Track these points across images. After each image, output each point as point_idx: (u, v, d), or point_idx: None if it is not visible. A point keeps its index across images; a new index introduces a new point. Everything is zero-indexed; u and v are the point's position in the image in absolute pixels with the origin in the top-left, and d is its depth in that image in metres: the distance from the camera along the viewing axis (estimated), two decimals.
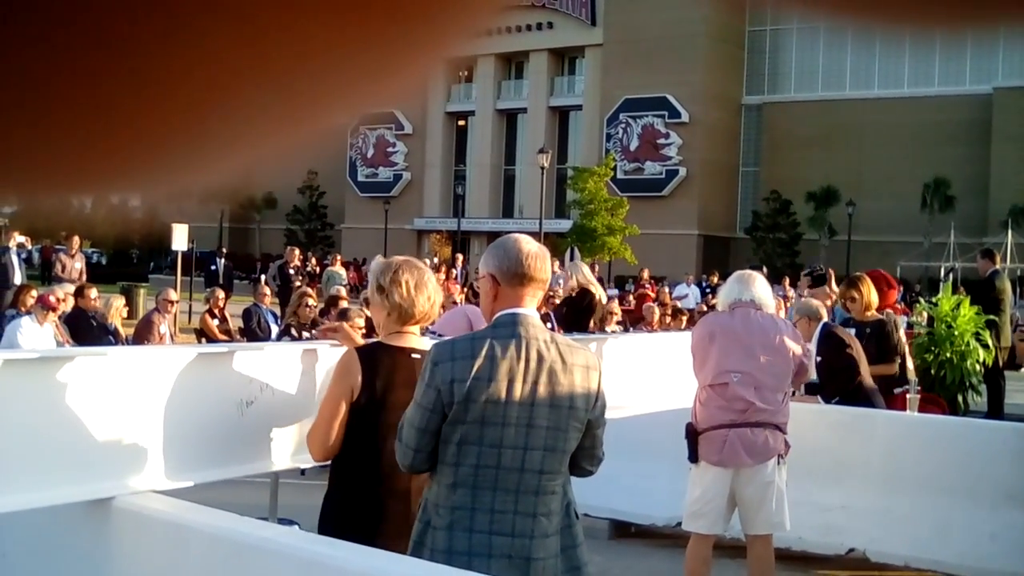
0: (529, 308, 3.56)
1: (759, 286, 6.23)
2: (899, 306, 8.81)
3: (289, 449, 4.71)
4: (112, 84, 0.38)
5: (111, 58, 0.38)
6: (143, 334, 12.82)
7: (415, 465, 3.49)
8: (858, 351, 8.08)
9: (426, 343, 4.11)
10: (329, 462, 4.03)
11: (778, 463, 6.02)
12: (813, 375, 6.86)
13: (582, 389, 3.52)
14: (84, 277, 20.18)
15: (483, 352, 3.44)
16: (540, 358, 3.47)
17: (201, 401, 4.25)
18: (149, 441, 4.04)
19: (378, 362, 3.94)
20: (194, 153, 0.43)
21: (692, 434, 6.10)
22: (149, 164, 0.43)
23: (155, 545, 3.89)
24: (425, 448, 3.43)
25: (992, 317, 12.50)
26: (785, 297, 27.62)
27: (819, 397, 8.20)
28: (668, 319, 18.20)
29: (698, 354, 6.18)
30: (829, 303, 8.98)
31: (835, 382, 8.07)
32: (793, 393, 8.06)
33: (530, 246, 3.62)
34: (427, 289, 4.02)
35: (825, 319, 8.31)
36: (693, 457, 6.11)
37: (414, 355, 3.96)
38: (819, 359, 8.03)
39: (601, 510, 8.35)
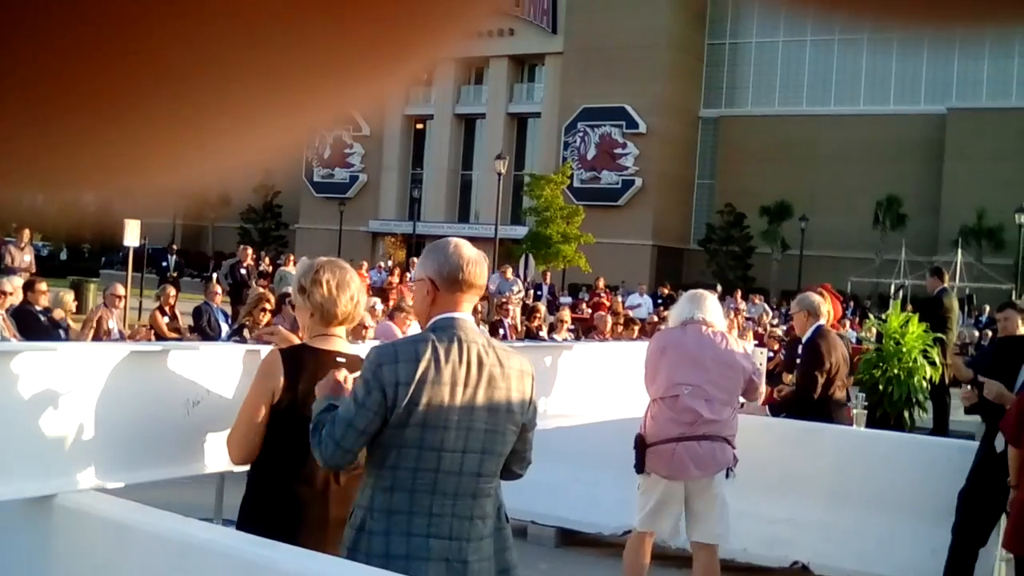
0: (466, 313, 3.59)
1: (710, 305, 6.40)
2: (845, 322, 8.88)
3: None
4: (103, 82, 0.38)
5: (102, 57, 0.37)
6: (92, 329, 12.70)
7: (341, 464, 3.50)
8: (837, 362, 8.11)
9: (351, 347, 4.12)
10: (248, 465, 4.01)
11: (726, 476, 6.09)
12: (762, 392, 6.91)
13: (518, 393, 3.56)
14: (33, 270, 19.95)
15: (427, 355, 3.44)
16: (480, 362, 3.49)
17: (147, 399, 4.21)
18: (92, 438, 3.99)
19: (302, 364, 3.90)
20: (187, 152, 0.43)
21: (640, 445, 6.19)
22: (142, 162, 0.42)
23: (97, 544, 3.84)
24: (357, 449, 3.43)
25: (939, 335, 12.63)
26: (736, 310, 27.81)
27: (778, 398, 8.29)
28: (620, 328, 18.25)
29: (650, 368, 6.32)
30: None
31: (802, 388, 8.14)
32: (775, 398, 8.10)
33: (470, 252, 3.64)
34: (349, 289, 3.99)
35: (823, 321, 8.28)
36: (639, 467, 6.21)
37: (339, 359, 3.93)
38: (800, 358, 8.15)
39: (548, 518, 8.36)
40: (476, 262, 3.61)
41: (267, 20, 0.38)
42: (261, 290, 13.27)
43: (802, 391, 8.14)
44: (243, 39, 0.39)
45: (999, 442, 6.39)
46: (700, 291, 6.81)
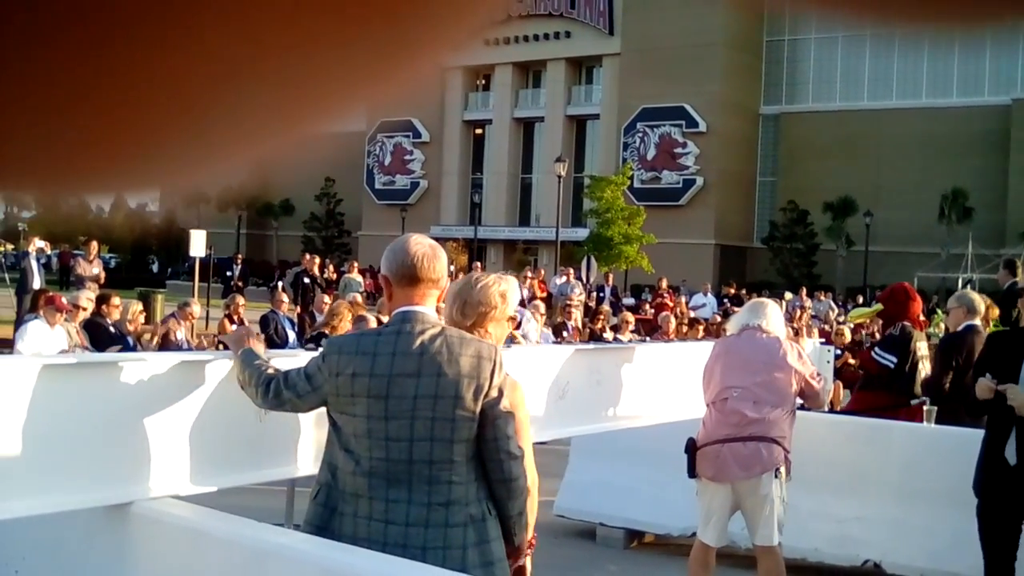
0: (423, 305, 3.66)
1: (769, 312, 6.45)
2: (921, 319, 8.71)
3: (309, 456, 4.72)
4: (110, 84, 0.38)
5: (108, 58, 0.37)
6: (161, 341, 12.88)
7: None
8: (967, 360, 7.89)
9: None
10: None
11: (775, 476, 6.07)
12: (827, 392, 6.85)
13: (469, 380, 3.58)
14: (101, 282, 20.27)
15: (366, 349, 3.59)
16: (423, 351, 3.56)
17: (220, 407, 4.27)
18: (167, 446, 4.06)
19: None
20: (193, 153, 0.43)
21: (691, 449, 6.23)
22: (150, 164, 0.43)
23: (174, 551, 3.90)
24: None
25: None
26: (802, 307, 27.58)
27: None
28: (685, 328, 18.18)
29: (706, 374, 6.40)
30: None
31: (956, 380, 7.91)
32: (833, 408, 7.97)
33: (419, 247, 3.71)
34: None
35: (978, 321, 8.14)
36: (691, 472, 6.25)
37: None
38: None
39: (616, 519, 8.36)
40: (426, 255, 3.68)
41: (274, 20, 0.38)
42: (341, 301, 13.39)
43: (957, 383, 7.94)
44: (249, 39, 0.38)
45: (1011, 452, 5.96)
46: (761, 299, 6.85)
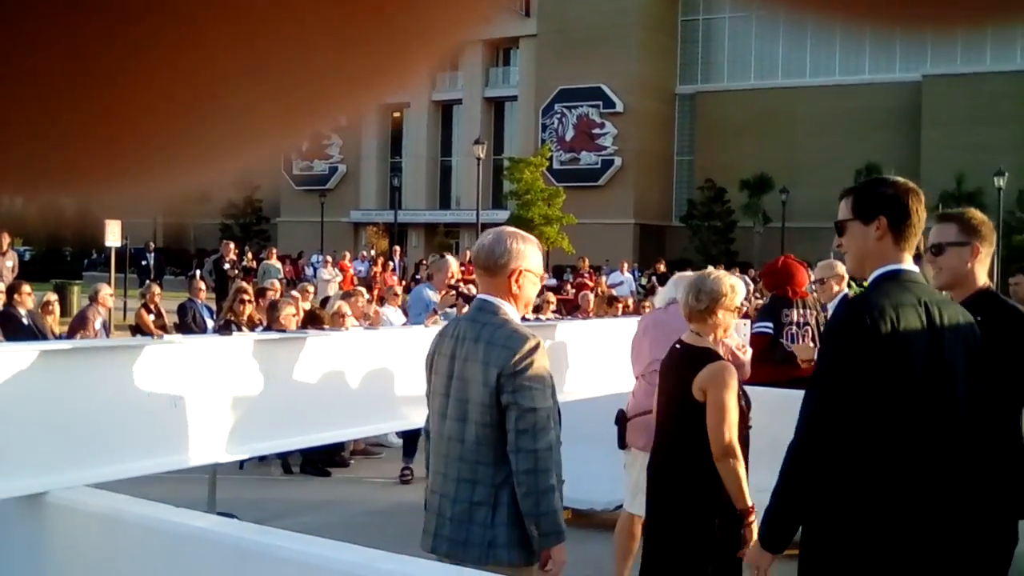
0: (489, 294, 3.96)
1: None
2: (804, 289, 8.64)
3: (223, 442, 4.70)
4: (102, 83, 0.38)
5: (99, 57, 0.37)
6: (79, 330, 12.70)
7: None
8: None
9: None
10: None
11: None
12: (746, 365, 6.92)
13: (486, 366, 3.77)
14: (16, 274, 19.88)
15: (443, 330, 4.08)
16: (465, 336, 3.85)
17: (133, 394, 4.24)
18: (80, 436, 4.02)
19: None
20: (185, 155, 0.43)
21: (621, 420, 6.28)
22: (138, 165, 0.42)
23: (90, 539, 3.87)
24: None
25: None
26: None
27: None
28: (604, 307, 18.30)
29: (634, 348, 6.44)
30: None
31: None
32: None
33: (481, 239, 4.13)
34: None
35: (845, 290, 8.14)
36: (621, 443, 6.29)
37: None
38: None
39: None
40: (483, 247, 4.04)
41: (266, 24, 0.38)
42: (240, 283, 13.35)
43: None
44: (242, 42, 0.38)
45: None
46: (685, 273, 6.85)
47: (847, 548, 3.29)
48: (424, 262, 29.93)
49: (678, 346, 4.93)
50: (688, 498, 4.67)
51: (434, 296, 10.25)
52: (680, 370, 4.78)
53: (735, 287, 4.88)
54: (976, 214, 4.41)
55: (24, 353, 4.01)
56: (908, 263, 3.47)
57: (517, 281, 3.94)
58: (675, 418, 4.77)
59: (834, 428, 3.24)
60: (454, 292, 9.46)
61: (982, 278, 4.31)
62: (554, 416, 3.93)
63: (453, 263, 10.44)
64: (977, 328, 3.46)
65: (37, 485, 3.85)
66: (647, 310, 18.25)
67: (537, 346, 3.82)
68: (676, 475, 4.73)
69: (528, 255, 3.99)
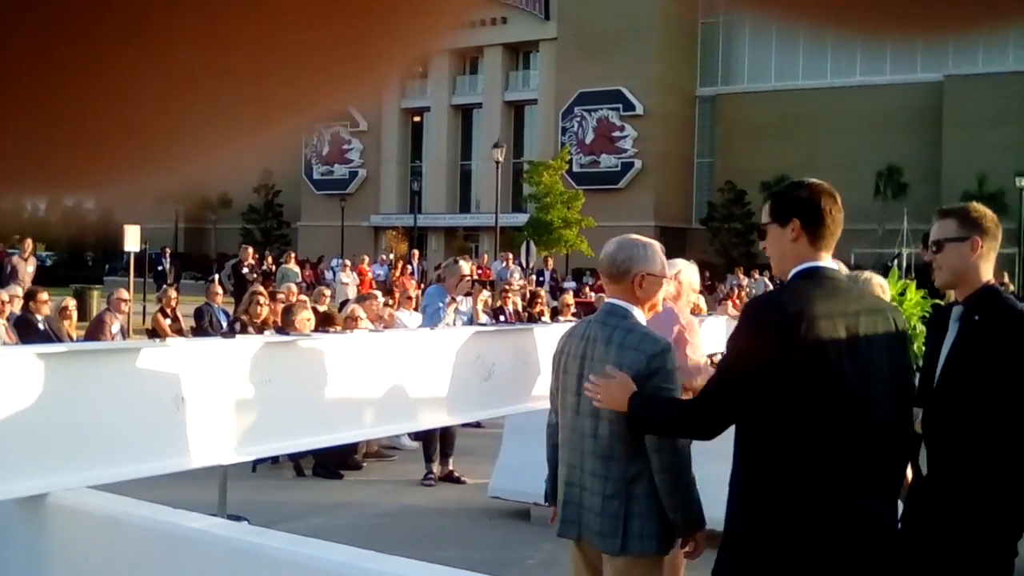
0: (612, 296, 4.21)
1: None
2: None
3: (230, 443, 4.73)
4: (76, 83, 0.38)
5: (72, 57, 0.37)
6: (95, 334, 12.76)
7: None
8: None
9: None
10: None
11: None
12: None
13: (628, 368, 3.90)
14: (33, 280, 20.05)
15: (571, 331, 4.31)
16: (596, 338, 4.07)
17: (138, 396, 4.27)
18: (84, 438, 4.05)
19: None
20: (160, 154, 0.43)
21: None
22: (113, 165, 0.42)
23: (91, 539, 3.90)
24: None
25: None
26: (739, 287, 27.77)
27: None
28: None
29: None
30: None
31: None
32: None
33: (606, 248, 4.35)
34: None
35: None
36: None
37: None
38: None
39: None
40: (606, 253, 4.27)
41: (250, 20, 0.38)
42: (257, 286, 13.42)
43: None
44: (229, 40, 0.38)
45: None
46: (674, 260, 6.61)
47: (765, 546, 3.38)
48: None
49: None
50: None
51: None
52: None
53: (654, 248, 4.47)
54: (977, 208, 4.31)
55: (27, 356, 4.05)
56: (825, 261, 3.58)
57: (640, 284, 4.15)
58: None
59: (724, 413, 3.46)
60: (471, 281, 9.56)
61: (986, 274, 4.18)
62: None
63: (465, 266, 10.45)
64: (897, 318, 3.55)
65: (38, 487, 3.88)
66: None
67: (668, 348, 4.04)
68: None
69: (648, 258, 4.21)
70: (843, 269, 4.46)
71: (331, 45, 0.40)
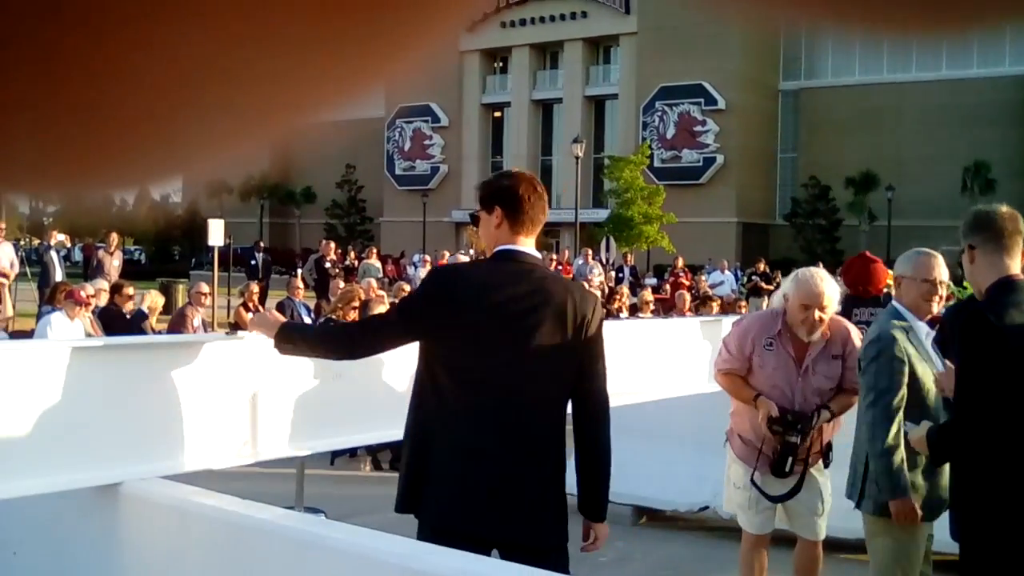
0: None
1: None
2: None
3: (304, 436, 4.77)
4: (76, 83, 0.38)
5: (72, 57, 0.37)
6: (177, 327, 12.98)
7: None
8: None
9: None
10: None
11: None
12: None
13: None
14: (119, 274, 20.42)
15: None
16: None
17: (213, 388, 4.33)
18: (159, 428, 4.12)
19: None
20: (161, 153, 0.43)
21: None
22: (114, 164, 0.42)
23: (161, 529, 3.97)
24: None
25: None
26: None
27: None
28: (700, 306, 18.17)
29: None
30: None
31: None
32: None
33: None
34: None
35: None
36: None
37: None
38: None
39: (623, 496, 8.37)
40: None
41: (251, 16, 0.38)
42: (354, 286, 13.45)
43: None
44: (229, 36, 0.38)
45: None
46: (811, 269, 6.12)
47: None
48: None
49: None
50: None
51: None
52: None
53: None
54: (977, 211, 4.17)
55: (109, 347, 4.13)
56: (522, 245, 3.87)
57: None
58: None
59: None
60: None
61: (986, 280, 4.01)
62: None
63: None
64: (571, 299, 3.86)
65: (111, 476, 3.96)
66: (743, 309, 18.08)
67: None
68: None
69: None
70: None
71: (334, 41, 0.40)
